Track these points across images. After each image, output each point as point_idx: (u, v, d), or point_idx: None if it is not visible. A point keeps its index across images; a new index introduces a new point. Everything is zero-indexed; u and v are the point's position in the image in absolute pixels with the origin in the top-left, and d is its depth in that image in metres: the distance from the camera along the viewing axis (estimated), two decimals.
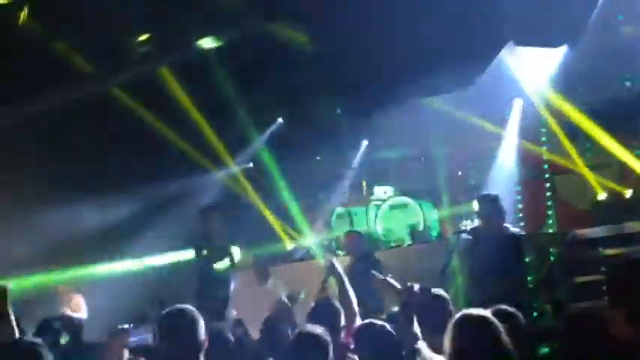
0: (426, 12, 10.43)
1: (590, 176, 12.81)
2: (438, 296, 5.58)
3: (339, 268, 6.81)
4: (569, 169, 13.05)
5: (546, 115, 13.02)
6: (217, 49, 11.90)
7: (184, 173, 13.19)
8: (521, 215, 13.03)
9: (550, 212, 13.27)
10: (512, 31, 11.25)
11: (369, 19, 10.75)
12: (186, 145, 13.19)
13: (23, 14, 10.36)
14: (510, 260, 8.31)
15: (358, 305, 6.43)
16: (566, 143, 13.05)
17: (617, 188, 12.62)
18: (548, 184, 13.41)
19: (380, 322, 5.26)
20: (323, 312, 5.90)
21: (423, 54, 11.17)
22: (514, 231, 8.81)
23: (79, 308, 11.68)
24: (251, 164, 14.98)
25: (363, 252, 10.12)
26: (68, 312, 11.16)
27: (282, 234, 14.65)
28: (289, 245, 14.72)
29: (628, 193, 12.47)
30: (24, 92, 10.84)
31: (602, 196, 12.68)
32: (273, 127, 14.52)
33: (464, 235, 11.70)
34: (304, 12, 10.97)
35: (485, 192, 11.91)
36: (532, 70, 12.82)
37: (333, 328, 5.52)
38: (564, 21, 11.00)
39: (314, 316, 5.82)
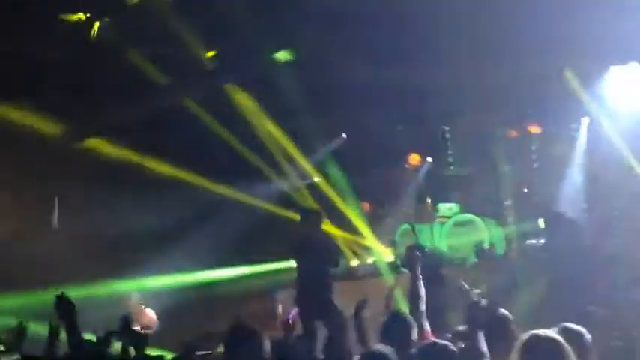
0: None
1: None
2: (502, 315, 5.54)
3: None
4: None
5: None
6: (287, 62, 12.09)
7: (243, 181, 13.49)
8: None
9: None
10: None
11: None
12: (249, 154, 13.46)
13: (95, 28, 10.70)
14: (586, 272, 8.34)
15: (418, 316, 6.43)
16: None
17: None
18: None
19: (442, 342, 5.22)
20: (395, 325, 5.89)
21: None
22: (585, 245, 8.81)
23: (151, 323, 11.86)
24: (315, 179, 15.09)
25: (425, 267, 10.09)
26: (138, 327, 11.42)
27: (346, 250, 14.70)
28: (353, 261, 14.78)
29: None
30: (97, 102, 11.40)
31: None
32: (337, 142, 14.60)
33: (531, 252, 11.74)
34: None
35: (554, 209, 11.89)
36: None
37: (404, 342, 5.52)
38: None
39: (386, 330, 5.81)
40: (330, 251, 9.68)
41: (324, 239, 9.75)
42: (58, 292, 5.27)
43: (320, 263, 9.41)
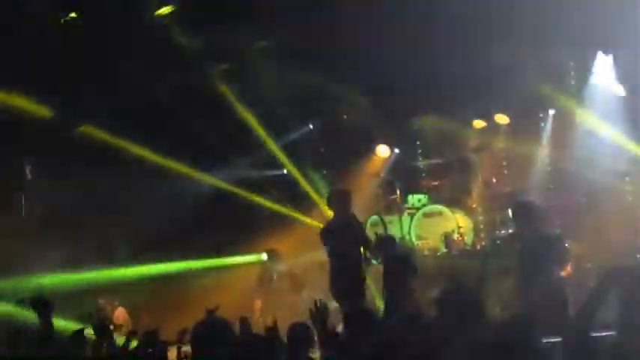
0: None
1: None
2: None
3: None
4: None
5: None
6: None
7: None
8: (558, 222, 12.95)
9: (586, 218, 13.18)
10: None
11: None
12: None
13: None
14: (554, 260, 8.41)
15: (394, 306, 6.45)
16: None
17: None
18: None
19: None
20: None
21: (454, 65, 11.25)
22: (552, 232, 8.90)
23: (124, 322, 11.79)
24: (284, 170, 15.12)
25: (395, 256, 10.19)
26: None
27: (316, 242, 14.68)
28: (324, 255, 14.77)
29: None
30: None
31: None
32: (303, 131, 14.66)
33: (499, 243, 11.81)
34: None
35: (522, 199, 11.98)
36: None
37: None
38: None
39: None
40: (363, 232, 9.74)
41: (355, 220, 9.69)
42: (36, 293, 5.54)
43: (355, 244, 9.39)
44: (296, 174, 14.75)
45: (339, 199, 9.65)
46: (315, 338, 5.96)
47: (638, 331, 4.08)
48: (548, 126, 13.66)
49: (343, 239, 9.38)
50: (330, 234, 9.54)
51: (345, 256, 9.38)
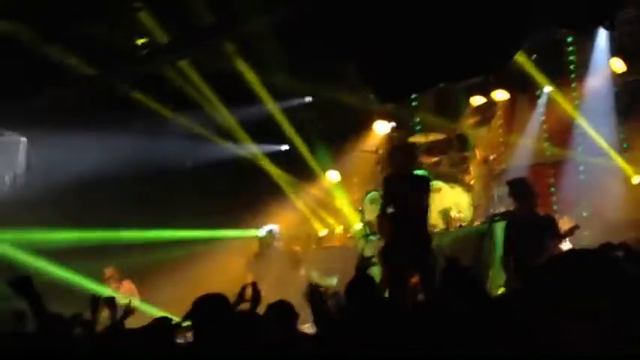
0: None
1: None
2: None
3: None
4: None
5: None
6: None
7: None
8: (554, 199, 13.05)
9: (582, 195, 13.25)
10: (544, 14, 11.18)
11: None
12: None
13: None
14: (547, 238, 8.52)
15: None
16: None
17: None
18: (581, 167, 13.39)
19: None
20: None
21: (453, 39, 11.16)
22: (544, 214, 9.04)
23: (131, 293, 11.81)
24: (287, 146, 15.22)
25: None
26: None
27: (313, 219, 14.75)
28: (321, 231, 14.84)
29: None
30: None
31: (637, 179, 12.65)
32: (300, 103, 14.69)
33: (497, 220, 11.83)
34: None
35: (514, 178, 12.04)
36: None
37: None
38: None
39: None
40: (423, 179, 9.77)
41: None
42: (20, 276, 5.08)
43: (417, 191, 9.30)
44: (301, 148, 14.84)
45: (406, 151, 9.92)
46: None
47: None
48: (543, 101, 13.70)
49: (404, 187, 9.33)
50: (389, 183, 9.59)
51: (406, 205, 9.28)
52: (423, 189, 9.35)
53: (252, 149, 15.13)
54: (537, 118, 13.87)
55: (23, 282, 5.01)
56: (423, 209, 9.26)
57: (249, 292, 6.23)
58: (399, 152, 9.70)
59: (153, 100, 13.67)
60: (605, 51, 12.86)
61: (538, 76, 13.41)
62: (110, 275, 12.19)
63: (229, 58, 13.40)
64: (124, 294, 11.58)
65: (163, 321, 5.70)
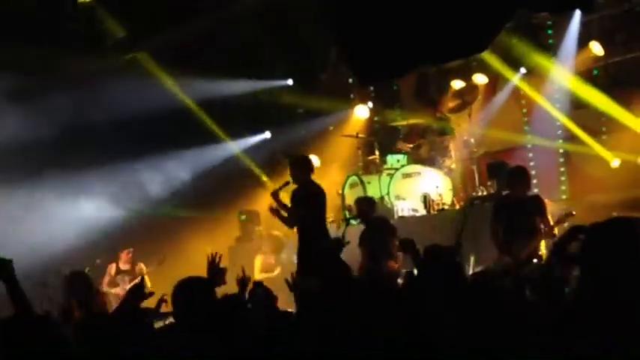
0: None
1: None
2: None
3: None
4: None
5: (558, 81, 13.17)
6: None
7: None
8: (535, 182, 13.06)
9: (563, 179, 13.29)
10: None
11: None
12: None
13: None
14: (536, 220, 8.63)
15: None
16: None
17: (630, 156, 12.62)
18: (561, 150, 13.44)
19: None
20: None
21: (433, 21, 11.11)
22: (534, 195, 9.18)
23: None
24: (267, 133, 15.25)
25: (375, 218, 10.33)
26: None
27: None
28: None
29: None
30: None
31: (615, 162, 12.69)
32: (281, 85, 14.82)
33: (477, 203, 11.88)
34: None
35: (496, 161, 12.10)
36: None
37: None
38: None
39: None
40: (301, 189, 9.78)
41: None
42: None
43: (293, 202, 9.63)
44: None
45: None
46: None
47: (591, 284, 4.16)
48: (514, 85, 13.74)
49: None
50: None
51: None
52: (296, 201, 9.44)
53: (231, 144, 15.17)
54: (518, 101, 13.92)
55: (3, 266, 4.89)
56: (305, 220, 9.37)
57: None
58: (295, 164, 9.75)
59: None
60: (576, 34, 12.90)
61: (518, 60, 13.45)
62: (126, 258, 12.12)
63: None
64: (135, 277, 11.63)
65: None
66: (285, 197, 9.73)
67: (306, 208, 9.33)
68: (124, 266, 12.06)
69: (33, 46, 11.72)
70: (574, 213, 8.90)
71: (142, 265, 12.06)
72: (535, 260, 8.53)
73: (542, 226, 8.74)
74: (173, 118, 13.76)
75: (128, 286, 11.57)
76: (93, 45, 12.87)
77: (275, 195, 9.59)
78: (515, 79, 13.74)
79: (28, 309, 4.87)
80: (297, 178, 9.50)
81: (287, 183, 9.66)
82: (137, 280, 7.27)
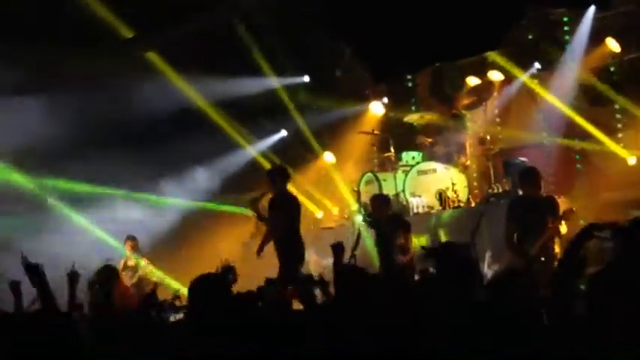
0: None
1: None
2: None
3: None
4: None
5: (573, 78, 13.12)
6: None
7: None
8: (551, 179, 13.02)
9: (579, 176, 13.23)
10: None
11: None
12: None
13: None
14: (548, 220, 8.64)
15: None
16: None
17: None
18: (577, 147, 13.38)
19: None
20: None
21: (448, 17, 11.15)
22: (547, 195, 9.17)
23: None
24: (284, 132, 15.27)
25: (391, 215, 10.35)
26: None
27: (308, 202, 14.75)
28: (317, 213, 14.85)
29: None
30: None
31: (632, 160, 12.63)
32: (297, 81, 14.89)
33: (493, 200, 11.86)
34: None
35: (513, 159, 12.06)
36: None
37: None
38: None
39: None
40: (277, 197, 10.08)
41: None
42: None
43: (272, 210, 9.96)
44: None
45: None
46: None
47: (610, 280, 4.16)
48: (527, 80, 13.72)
49: None
50: None
51: None
52: (276, 208, 9.82)
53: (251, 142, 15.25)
54: (534, 98, 13.85)
55: (35, 268, 5.39)
56: (283, 229, 9.73)
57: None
58: (273, 174, 10.16)
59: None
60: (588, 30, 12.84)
61: (533, 55, 13.42)
62: (128, 248, 12.28)
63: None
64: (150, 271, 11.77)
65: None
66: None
67: (282, 215, 9.76)
68: (129, 262, 12.21)
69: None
70: (574, 209, 8.93)
71: (144, 262, 12.21)
72: (543, 259, 8.53)
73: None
74: (185, 119, 13.86)
75: (131, 282, 11.77)
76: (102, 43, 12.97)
77: (253, 203, 10.07)
78: (530, 75, 13.67)
79: (52, 306, 5.26)
80: (275, 188, 9.90)
81: (265, 192, 10.04)
82: (149, 289, 7.41)
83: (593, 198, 12.28)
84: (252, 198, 10.18)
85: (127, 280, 11.88)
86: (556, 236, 8.71)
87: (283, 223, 9.76)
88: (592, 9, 12.65)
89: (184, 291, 5.37)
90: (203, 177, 13.32)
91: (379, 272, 9.19)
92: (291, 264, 9.43)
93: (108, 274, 7.78)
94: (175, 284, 11.18)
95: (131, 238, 12.44)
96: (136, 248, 12.37)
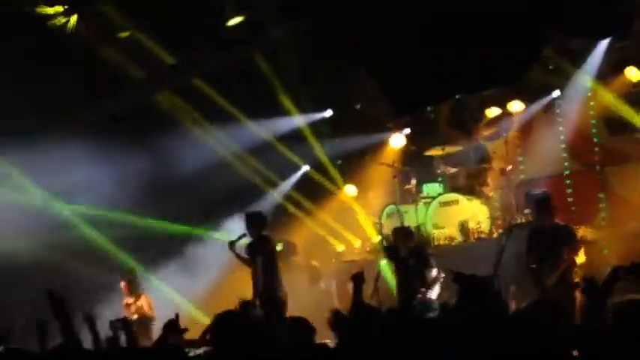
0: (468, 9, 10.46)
1: None
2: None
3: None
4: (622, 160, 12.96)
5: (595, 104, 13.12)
6: None
7: None
8: (573, 209, 12.95)
9: (602, 205, 13.13)
10: (559, 25, 11.18)
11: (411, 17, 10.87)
12: None
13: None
14: (563, 250, 8.65)
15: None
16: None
17: None
18: (599, 176, 13.29)
19: None
20: None
21: (468, 50, 11.16)
22: (564, 224, 9.19)
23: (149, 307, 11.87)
24: (306, 167, 15.30)
25: (413, 248, 10.35)
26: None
27: (329, 236, 14.73)
28: (339, 247, 14.81)
29: None
30: None
31: None
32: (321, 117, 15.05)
33: (516, 230, 11.80)
34: None
35: (534, 190, 12.01)
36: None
37: None
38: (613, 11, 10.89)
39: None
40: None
41: None
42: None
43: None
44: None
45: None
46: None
47: None
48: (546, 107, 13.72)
49: None
50: None
51: None
52: (254, 252, 10.47)
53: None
54: (555, 128, 13.81)
55: (60, 302, 5.35)
56: (264, 269, 10.32)
57: None
58: (250, 219, 10.68)
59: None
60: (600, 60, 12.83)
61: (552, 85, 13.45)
62: (126, 287, 12.20)
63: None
64: (145, 308, 11.67)
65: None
66: None
67: (260, 256, 10.39)
68: (128, 299, 12.15)
69: None
70: (589, 238, 8.98)
71: (144, 298, 12.15)
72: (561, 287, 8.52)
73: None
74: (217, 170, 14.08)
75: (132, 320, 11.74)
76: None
77: (231, 245, 10.65)
78: (550, 103, 13.67)
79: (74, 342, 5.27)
80: (252, 232, 10.52)
81: (243, 235, 10.59)
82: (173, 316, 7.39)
83: (617, 227, 12.17)
84: (230, 241, 10.72)
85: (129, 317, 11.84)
86: (573, 266, 8.70)
87: (262, 266, 10.31)
88: (606, 41, 12.64)
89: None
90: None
91: (396, 306, 9.13)
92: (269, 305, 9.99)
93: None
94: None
95: (126, 279, 12.31)
96: (131, 288, 12.22)
